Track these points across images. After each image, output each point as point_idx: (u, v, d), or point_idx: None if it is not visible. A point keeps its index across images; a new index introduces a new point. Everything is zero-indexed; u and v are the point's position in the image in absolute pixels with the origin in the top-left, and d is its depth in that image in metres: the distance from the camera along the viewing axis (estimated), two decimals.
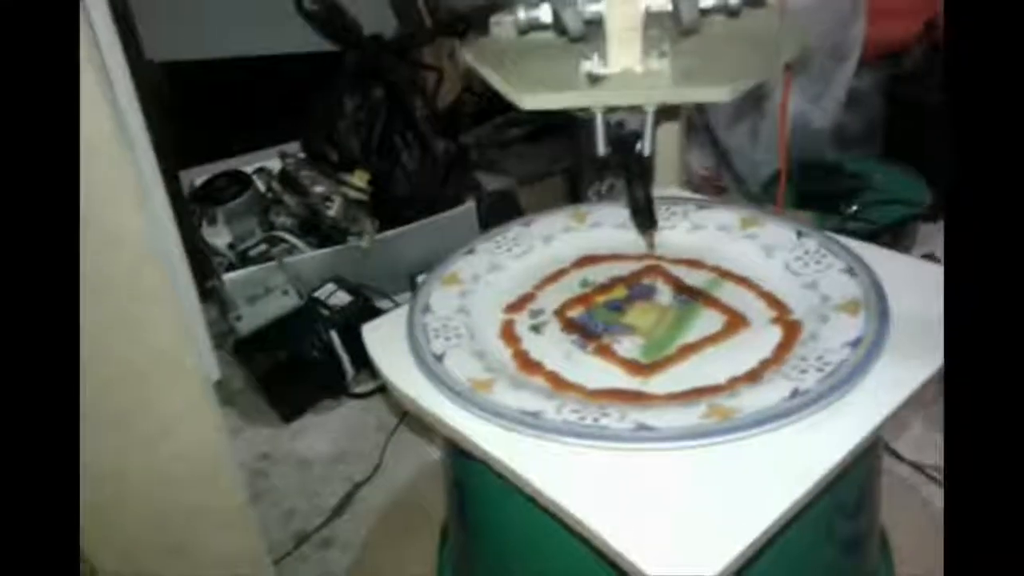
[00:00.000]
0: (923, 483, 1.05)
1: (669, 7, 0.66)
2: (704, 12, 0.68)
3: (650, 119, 0.68)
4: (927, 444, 1.10)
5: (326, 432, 1.29)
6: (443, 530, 0.95)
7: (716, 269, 0.78)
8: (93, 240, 0.61)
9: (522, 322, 0.75)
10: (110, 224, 0.64)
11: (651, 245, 0.82)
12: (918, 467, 1.06)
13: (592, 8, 0.66)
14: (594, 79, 0.66)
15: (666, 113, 1.06)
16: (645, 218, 0.73)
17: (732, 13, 0.69)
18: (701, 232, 0.84)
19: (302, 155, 1.63)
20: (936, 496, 1.03)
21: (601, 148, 0.69)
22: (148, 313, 0.69)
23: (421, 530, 1.01)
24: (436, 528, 0.96)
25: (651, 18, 0.66)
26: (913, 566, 0.88)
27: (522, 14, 0.70)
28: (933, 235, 1.49)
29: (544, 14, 0.70)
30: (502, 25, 0.76)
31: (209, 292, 1.45)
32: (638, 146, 0.69)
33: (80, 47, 0.55)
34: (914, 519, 0.98)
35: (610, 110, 0.68)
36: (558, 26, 0.70)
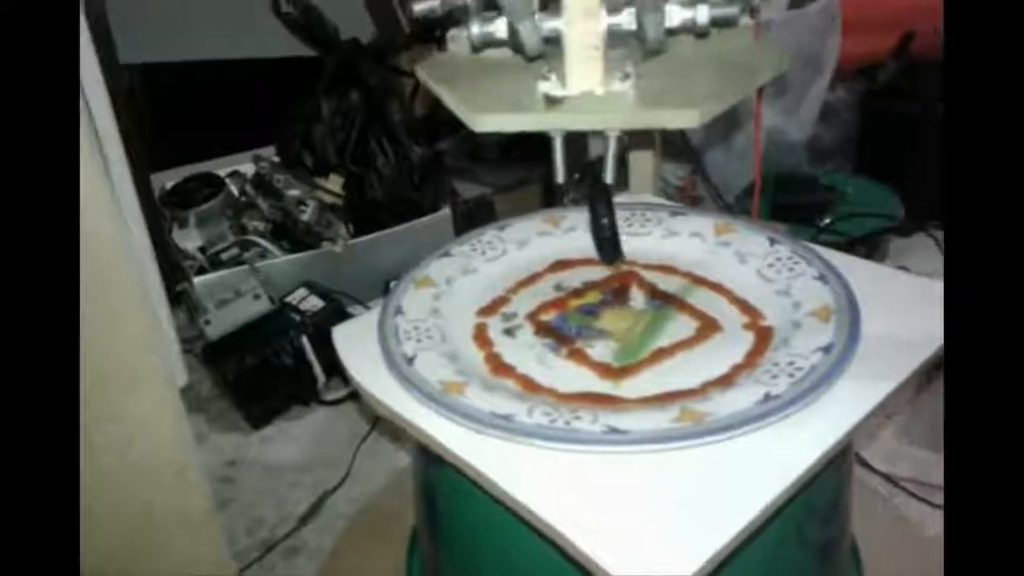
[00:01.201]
0: (894, 494, 1.05)
1: (633, 26, 0.62)
2: (671, 32, 0.64)
3: (612, 145, 0.63)
4: (898, 455, 1.11)
5: (295, 439, 1.28)
6: (412, 538, 0.94)
7: (689, 275, 0.78)
8: None
9: (495, 325, 0.74)
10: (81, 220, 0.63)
11: (618, 271, 0.79)
12: (889, 478, 1.07)
13: (550, 25, 0.62)
14: (552, 101, 0.62)
15: (639, 137, 1.06)
16: (610, 249, 0.70)
17: (701, 34, 0.65)
18: (675, 239, 0.83)
19: (276, 159, 1.62)
20: (907, 506, 1.03)
21: (560, 175, 0.65)
22: (117, 315, 0.68)
23: (389, 538, 0.99)
24: (405, 536, 0.95)
25: (615, 38, 0.63)
26: (885, 574, 0.88)
27: (476, 29, 0.66)
28: (906, 249, 1.51)
29: (500, 30, 0.66)
30: (457, 41, 0.72)
31: (178, 296, 1.43)
32: (602, 174, 0.65)
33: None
34: (885, 529, 0.98)
35: (570, 135, 0.63)
36: (515, 43, 0.65)
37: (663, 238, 0.84)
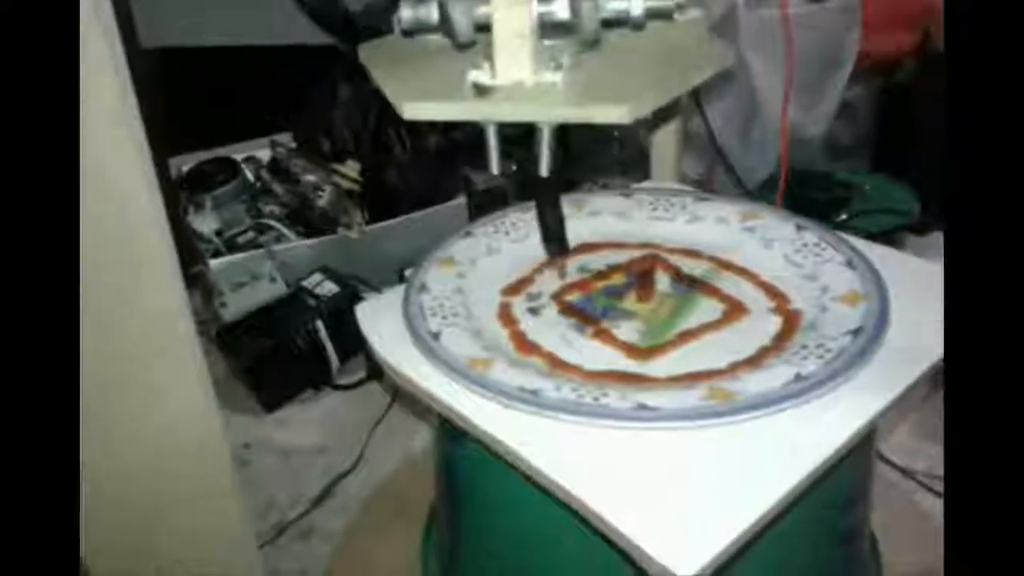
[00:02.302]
0: (912, 488, 1.05)
1: (566, 15, 0.60)
2: (606, 24, 0.61)
3: (546, 136, 0.61)
4: (915, 450, 1.10)
5: (309, 423, 1.27)
6: (428, 519, 0.94)
7: (714, 259, 0.78)
8: (95, 199, 0.60)
9: (519, 305, 0.74)
10: (112, 184, 0.63)
11: (563, 272, 0.78)
12: (906, 472, 1.06)
13: (483, 11, 0.59)
14: (481, 91, 0.60)
15: (663, 114, 1.05)
16: (555, 243, 0.69)
17: (637, 26, 0.62)
18: (700, 223, 0.83)
19: (293, 145, 1.62)
20: (924, 500, 1.03)
21: (494, 167, 0.63)
22: (145, 275, 0.67)
23: (403, 521, 0.99)
24: (418, 519, 0.95)
25: (551, 28, 0.60)
26: (902, 568, 0.87)
27: (407, 12, 0.63)
28: (921, 246, 1.50)
29: (432, 14, 0.63)
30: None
31: (194, 278, 1.42)
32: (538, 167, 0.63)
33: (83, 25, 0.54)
34: (903, 522, 0.98)
35: (505, 126, 0.61)
36: (446, 29, 0.63)
37: (688, 223, 0.84)
